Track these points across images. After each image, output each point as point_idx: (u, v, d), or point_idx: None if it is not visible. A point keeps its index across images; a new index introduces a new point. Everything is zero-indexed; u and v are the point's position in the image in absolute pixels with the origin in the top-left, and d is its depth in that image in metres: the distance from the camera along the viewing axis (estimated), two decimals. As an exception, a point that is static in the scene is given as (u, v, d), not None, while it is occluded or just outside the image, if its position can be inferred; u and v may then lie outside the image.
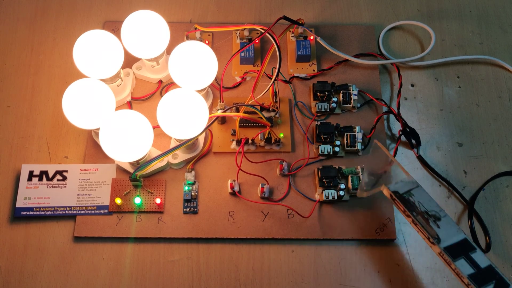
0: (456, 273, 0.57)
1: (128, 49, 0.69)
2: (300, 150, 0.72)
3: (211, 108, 0.74)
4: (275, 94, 0.71)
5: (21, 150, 0.72)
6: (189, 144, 0.67)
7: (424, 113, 0.76)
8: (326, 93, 0.73)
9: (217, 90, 0.74)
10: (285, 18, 0.72)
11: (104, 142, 0.62)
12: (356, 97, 0.73)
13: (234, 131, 0.71)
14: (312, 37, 0.78)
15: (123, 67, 0.73)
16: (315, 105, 0.74)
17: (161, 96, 0.68)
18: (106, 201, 0.68)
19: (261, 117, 0.69)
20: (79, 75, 0.67)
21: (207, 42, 0.78)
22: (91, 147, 0.71)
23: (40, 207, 0.67)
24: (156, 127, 0.65)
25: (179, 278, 0.65)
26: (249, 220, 0.67)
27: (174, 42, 0.72)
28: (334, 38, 0.80)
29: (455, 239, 0.58)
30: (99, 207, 0.68)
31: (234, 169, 0.69)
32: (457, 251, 0.57)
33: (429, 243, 0.59)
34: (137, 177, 0.67)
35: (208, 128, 0.67)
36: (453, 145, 0.74)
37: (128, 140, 0.62)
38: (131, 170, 0.68)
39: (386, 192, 0.63)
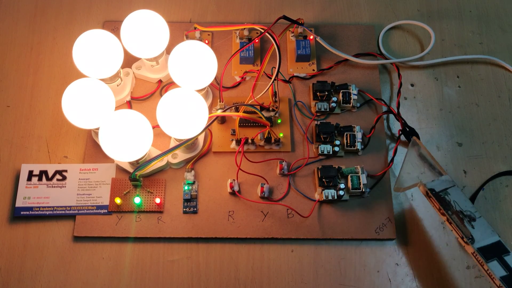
0: (488, 274, 0.58)
1: (127, 49, 0.69)
2: (299, 149, 0.72)
3: (210, 108, 0.74)
4: (274, 94, 0.71)
5: (20, 150, 0.71)
6: (189, 144, 0.67)
7: (424, 112, 0.76)
8: (326, 93, 0.73)
9: (216, 90, 0.74)
10: (285, 17, 0.72)
11: (104, 142, 0.62)
12: (355, 97, 0.73)
13: (234, 130, 0.71)
14: (311, 37, 0.78)
15: (123, 66, 0.73)
16: (315, 105, 0.74)
17: (161, 95, 0.68)
18: (105, 201, 0.68)
19: (260, 117, 0.69)
20: (78, 75, 0.67)
21: (206, 41, 0.78)
22: (90, 146, 0.71)
23: (39, 207, 0.67)
24: (155, 126, 0.65)
25: (179, 278, 0.65)
26: (248, 220, 0.67)
27: (173, 41, 0.72)
28: (334, 38, 0.80)
29: (489, 240, 0.59)
30: (98, 207, 0.68)
31: (233, 168, 0.69)
32: (490, 253, 0.58)
33: (463, 242, 0.60)
34: (137, 176, 0.67)
35: (207, 127, 0.67)
36: (453, 145, 0.74)
37: (127, 140, 0.62)
38: (131, 170, 0.68)
39: (422, 189, 0.64)
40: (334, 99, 0.73)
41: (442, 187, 0.63)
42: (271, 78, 0.70)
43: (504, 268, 0.57)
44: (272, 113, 0.72)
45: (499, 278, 0.56)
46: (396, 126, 0.74)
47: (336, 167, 0.69)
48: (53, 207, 0.67)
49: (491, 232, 0.59)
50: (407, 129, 0.72)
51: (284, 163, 0.70)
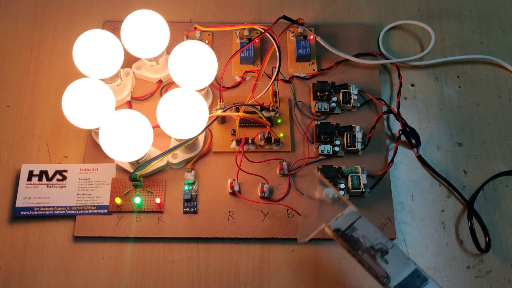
0: None
1: (128, 49, 0.69)
2: (300, 149, 0.72)
3: (211, 108, 0.74)
4: (275, 94, 0.71)
5: (20, 150, 0.71)
6: (189, 144, 0.67)
7: (424, 112, 0.76)
8: (326, 93, 0.73)
9: (217, 90, 0.74)
10: (285, 17, 0.72)
11: (104, 142, 0.62)
12: (356, 97, 0.73)
13: (234, 130, 0.71)
14: (312, 37, 0.78)
15: (123, 66, 0.73)
16: (315, 105, 0.74)
17: (161, 95, 0.68)
18: (106, 201, 0.68)
19: (261, 117, 0.69)
20: (78, 75, 0.67)
21: (207, 41, 0.78)
22: (91, 146, 0.71)
23: (39, 207, 0.67)
24: (156, 126, 0.65)
25: (179, 278, 0.65)
26: (249, 220, 0.67)
27: (174, 41, 0.72)
28: (334, 38, 0.80)
29: (405, 272, 0.54)
30: (99, 207, 0.68)
31: (234, 168, 0.69)
32: (409, 286, 0.54)
33: (380, 283, 0.55)
34: (137, 176, 0.67)
35: (208, 127, 0.67)
36: (453, 144, 0.74)
37: (128, 140, 0.62)
38: (131, 170, 0.68)
39: (328, 231, 0.57)
40: (334, 99, 0.73)
41: (348, 223, 0.57)
42: (271, 78, 0.70)
43: None
44: (272, 113, 0.72)
45: None
46: (396, 126, 0.74)
47: (336, 167, 0.69)
48: (53, 207, 0.67)
49: (406, 262, 0.55)
50: (407, 129, 0.72)
51: (284, 163, 0.70)
